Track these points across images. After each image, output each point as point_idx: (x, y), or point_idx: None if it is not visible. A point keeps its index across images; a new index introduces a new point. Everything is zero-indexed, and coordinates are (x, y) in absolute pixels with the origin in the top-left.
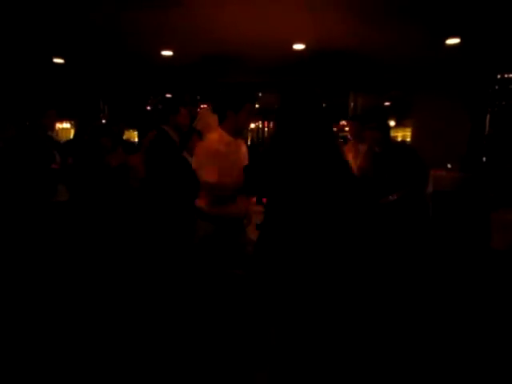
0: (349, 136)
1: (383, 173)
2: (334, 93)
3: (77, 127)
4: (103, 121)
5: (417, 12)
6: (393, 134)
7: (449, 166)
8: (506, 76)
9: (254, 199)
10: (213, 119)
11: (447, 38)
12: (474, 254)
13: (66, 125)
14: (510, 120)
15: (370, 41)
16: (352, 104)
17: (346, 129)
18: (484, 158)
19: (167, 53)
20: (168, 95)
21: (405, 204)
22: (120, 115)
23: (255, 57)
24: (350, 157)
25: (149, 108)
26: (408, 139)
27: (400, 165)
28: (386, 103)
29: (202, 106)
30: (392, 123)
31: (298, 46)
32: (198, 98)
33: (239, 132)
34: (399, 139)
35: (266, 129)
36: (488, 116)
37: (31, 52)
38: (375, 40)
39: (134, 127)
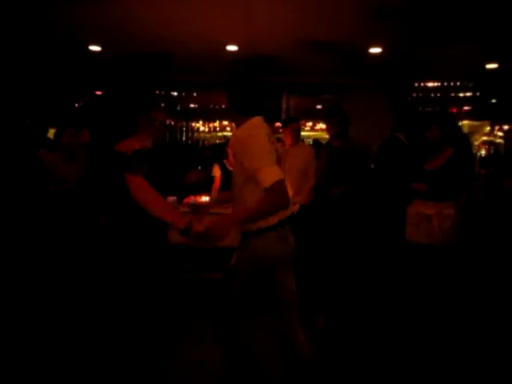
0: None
1: (336, 165)
2: (268, 95)
3: None
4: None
5: (341, 24)
6: (326, 135)
7: (373, 166)
8: (422, 84)
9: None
10: None
11: (370, 47)
12: (389, 247)
13: None
14: (423, 125)
15: (299, 43)
16: (285, 106)
17: (281, 130)
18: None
19: (95, 48)
20: (98, 92)
21: (350, 197)
22: (43, 113)
23: (188, 56)
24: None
25: (77, 105)
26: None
27: (352, 159)
28: (318, 106)
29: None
30: (323, 126)
31: (232, 48)
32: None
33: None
34: None
35: None
36: None
37: None
38: (305, 42)
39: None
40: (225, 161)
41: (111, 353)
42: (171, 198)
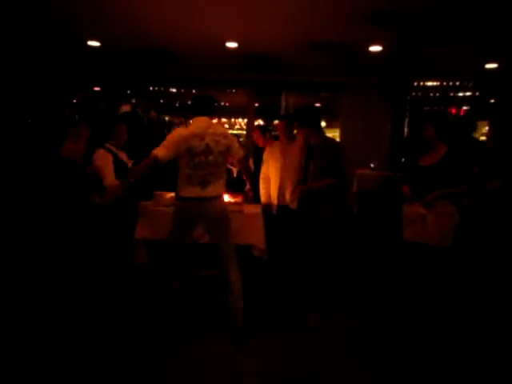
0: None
1: (314, 162)
2: (268, 92)
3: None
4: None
5: (341, 23)
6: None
7: (372, 165)
8: (421, 84)
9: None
10: None
11: (370, 45)
12: (387, 246)
13: None
14: (422, 125)
15: (297, 42)
16: (284, 103)
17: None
18: (403, 159)
19: (94, 43)
20: (96, 88)
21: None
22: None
23: (187, 52)
24: (276, 155)
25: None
26: (337, 139)
27: (328, 155)
28: (317, 104)
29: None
30: (323, 124)
31: (231, 44)
32: (128, 92)
33: None
34: None
35: None
36: (406, 120)
37: None
38: (303, 42)
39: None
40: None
41: (115, 351)
42: (169, 194)
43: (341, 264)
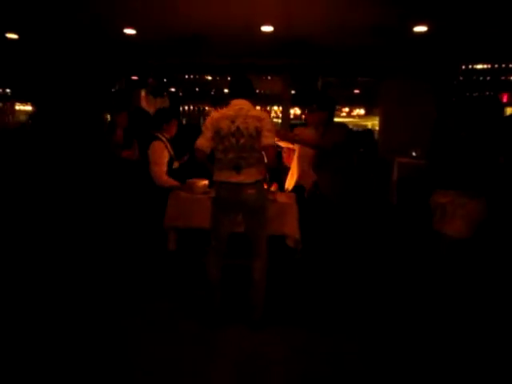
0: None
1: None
2: (304, 77)
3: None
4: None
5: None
6: (363, 122)
7: (413, 153)
8: (470, 67)
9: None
10: None
11: (415, 25)
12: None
13: (27, 107)
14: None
15: (337, 25)
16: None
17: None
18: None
19: (130, 31)
20: (134, 77)
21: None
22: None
23: (223, 38)
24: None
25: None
26: (377, 128)
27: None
28: (356, 91)
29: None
30: (362, 112)
31: (267, 28)
32: (165, 80)
33: None
34: (369, 127)
35: None
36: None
37: None
38: (342, 25)
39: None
40: None
41: (143, 339)
42: (203, 182)
43: (363, 256)
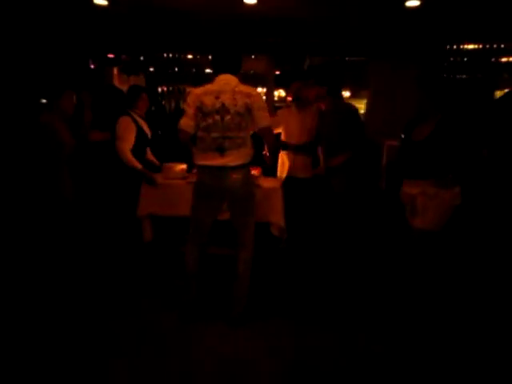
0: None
1: (328, 131)
2: (289, 57)
3: None
4: None
5: None
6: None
7: (402, 136)
8: (460, 47)
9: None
10: None
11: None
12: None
13: None
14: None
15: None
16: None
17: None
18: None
19: (101, 1)
20: (110, 55)
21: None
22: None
23: (204, 13)
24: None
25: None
26: (362, 111)
27: (342, 123)
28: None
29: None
30: (347, 94)
31: (249, 0)
32: (141, 59)
33: None
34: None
35: None
36: None
37: None
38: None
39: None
40: None
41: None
42: (181, 166)
43: (353, 244)
